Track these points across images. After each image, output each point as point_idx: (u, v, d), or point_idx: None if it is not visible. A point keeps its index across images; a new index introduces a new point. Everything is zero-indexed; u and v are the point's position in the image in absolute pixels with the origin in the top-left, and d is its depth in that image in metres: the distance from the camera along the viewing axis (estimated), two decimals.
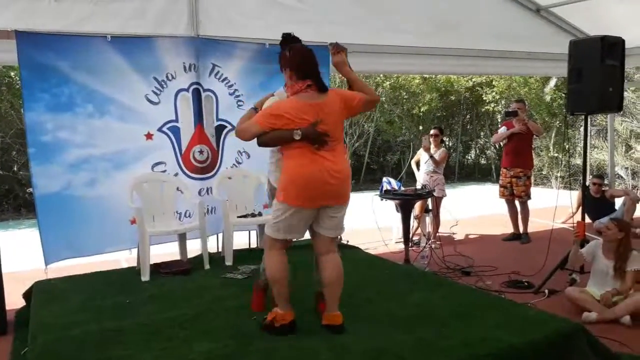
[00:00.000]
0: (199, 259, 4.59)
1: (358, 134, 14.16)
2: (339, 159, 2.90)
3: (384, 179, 6.44)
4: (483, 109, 15.55)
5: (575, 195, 6.97)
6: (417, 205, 6.12)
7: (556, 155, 13.17)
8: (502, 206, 6.76)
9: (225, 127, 5.06)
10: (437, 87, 15.00)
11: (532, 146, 7.04)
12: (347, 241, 5.34)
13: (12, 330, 3.83)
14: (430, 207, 6.31)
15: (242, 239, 5.31)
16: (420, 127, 14.88)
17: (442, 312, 3.30)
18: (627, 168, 11.74)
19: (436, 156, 6.36)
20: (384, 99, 14.09)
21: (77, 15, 4.37)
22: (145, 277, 4.15)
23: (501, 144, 7.24)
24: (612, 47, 4.46)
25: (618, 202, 7.07)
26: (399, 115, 15.12)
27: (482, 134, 17.12)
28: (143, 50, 4.58)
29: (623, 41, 4.56)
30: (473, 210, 8.97)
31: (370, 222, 6.11)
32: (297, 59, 2.90)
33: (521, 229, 6.55)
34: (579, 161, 11.41)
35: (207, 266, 4.48)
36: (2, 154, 11.21)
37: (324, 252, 3.01)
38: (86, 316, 3.34)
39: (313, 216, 2.93)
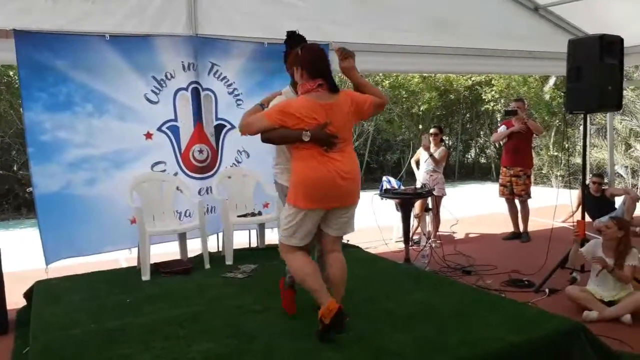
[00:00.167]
0: (199, 258, 4.59)
1: (358, 133, 14.15)
2: (348, 160, 2.86)
3: (384, 178, 6.44)
4: (482, 108, 15.56)
5: (575, 194, 6.97)
6: (417, 204, 6.12)
7: (556, 154, 13.18)
8: (502, 205, 6.76)
9: (225, 126, 5.05)
10: (436, 86, 15.01)
11: (532, 145, 7.04)
12: (348, 240, 5.31)
13: (13, 329, 3.84)
14: (430, 206, 6.31)
15: (242, 238, 5.31)
16: (420, 126, 14.87)
17: (443, 311, 3.29)
18: (626, 167, 11.74)
19: (436, 155, 6.36)
20: None
21: (76, 14, 4.37)
22: (145, 276, 4.15)
23: (501, 142, 7.24)
24: (611, 46, 4.46)
25: (618, 200, 7.07)
26: (398, 114, 15.12)
27: (481, 132, 17.14)
28: (142, 49, 4.57)
29: (622, 40, 4.55)
30: (473, 209, 8.97)
31: (370, 221, 6.11)
32: (310, 58, 2.84)
33: (521, 228, 6.55)
34: (578, 160, 11.40)
35: (207, 265, 4.47)
36: (2, 153, 11.22)
37: (329, 251, 2.99)
38: (87, 316, 3.34)
39: (322, 217, 2.90)
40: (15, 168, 11.23)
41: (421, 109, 14.79)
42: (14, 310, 4.05)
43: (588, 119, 5.11)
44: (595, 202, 6.83)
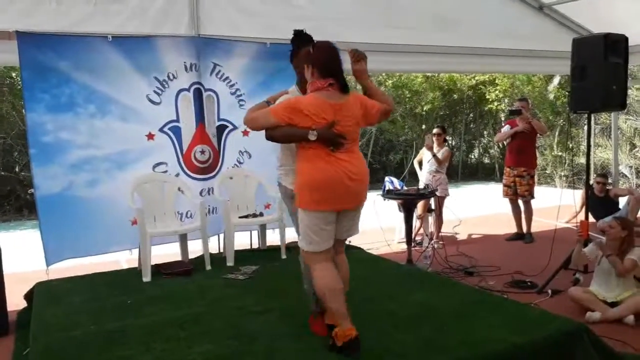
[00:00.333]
0: (200, 259, 4.58)
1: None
2: (356, 160, 2.82)
3: (387, 179, 6.42)
4: (486, 108, 15.50)
5: (579, 194, 6.93)
6: (420, 205, 6.09)
7: (560, 154, 13.12)
8: (506, 206, 6.73)
9: (227, 127, 5.05)
10: (439, 85, 14.97)
11: (536, 145, 7.00)
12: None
13: (14, 331, 3.83)
14: (433, 206, 6.28)
15: (244, 240, 5.31)
16: (423, 126, 14.85)
17: (445, 312, 3.28)
18: (631, 167, 11.69)
19: (439, 155, 6.33)
20: None
21: (78, 16, 4.38)
22: (146, 277, 4.15)
23: (505, 142, 7.21)
24: (616, 45, 4.43)
25: (622, 201, 7.03)
26: (401, 114, 15.09)
27: (485, 132, 17.08)
28: (144, 50, 4.57)
29: (626, 39, 4.53)
30: (476, 210, 8.94)
31: (372, 222, 6.09)
32: (323, 57, 2.75)
33: (525, 229, 6.52)
34: (582, 160, 11.34)
35: (208, 267, 4.47)
36: (4, 155, 11.25)
37: (337, 253, 2.94)
38: (87, 317, 3.34)
39: (335, 219, 2.80)
40: (17, 169, 11.26)
41: (424, 108, 14.76)
42: (15, 312, 4.05)
43: (592, 118, 5.09)
44: (599, 202, 6.78)
